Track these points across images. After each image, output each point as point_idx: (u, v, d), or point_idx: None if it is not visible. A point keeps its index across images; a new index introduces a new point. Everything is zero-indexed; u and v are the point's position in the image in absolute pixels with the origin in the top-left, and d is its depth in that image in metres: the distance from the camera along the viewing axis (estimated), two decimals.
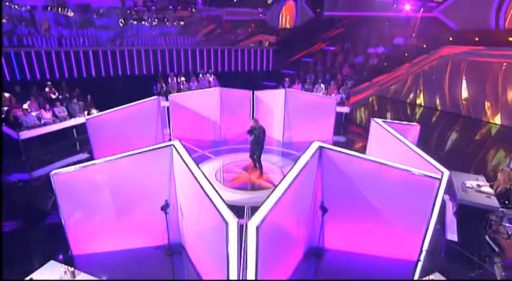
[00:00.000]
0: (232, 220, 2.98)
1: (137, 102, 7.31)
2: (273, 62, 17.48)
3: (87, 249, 4.41)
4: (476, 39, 11.68)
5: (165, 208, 4.14)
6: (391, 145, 5.32)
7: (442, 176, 4.01)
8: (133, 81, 13.78)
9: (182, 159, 3.90)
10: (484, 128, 11.43)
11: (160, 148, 4.19)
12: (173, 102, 9.07)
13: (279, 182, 3.58)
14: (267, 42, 22.34)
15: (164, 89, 12.30)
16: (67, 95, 10.50)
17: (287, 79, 13.38)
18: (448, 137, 10.81)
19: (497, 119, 11.58)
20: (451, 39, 12.62)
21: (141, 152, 4.15)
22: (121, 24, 21.95)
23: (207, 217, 3.51)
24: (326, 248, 4.63)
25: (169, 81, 13.01)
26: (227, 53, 16.24)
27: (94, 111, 8.89)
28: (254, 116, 6.62)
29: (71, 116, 9.37)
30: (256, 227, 2.88)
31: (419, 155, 4.64)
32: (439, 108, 13.49)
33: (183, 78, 13.11)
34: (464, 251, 4.68)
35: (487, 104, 11.74)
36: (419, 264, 4.40)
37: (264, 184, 6.82)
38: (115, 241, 4.47)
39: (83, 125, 9.46)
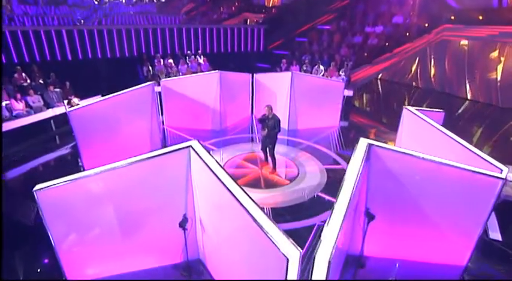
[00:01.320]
0: (294, 252, 2.28)
1: (128, 89, 6.31)
2: (264, 42, 16.45)
3: (86, 275, 3.63)
4: (480, 17, 11.24)
5: (183, 223, 3.40)
6: (429, 137, 4.74)
7: (505, 175, 3.48)
8: (115, 64, 12.44)
9: (208, 166, 3.12)
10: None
11: (175, 151, 3.37)
12: (166, 88, 8.11)
13: (338, 195, 2.89)
14: (253, 21, 21.11)
15: (151, 73, 11.15)
16: (41, 82, 9.20)
17: (284, 60, 12.54)
18: (472, 123, 10.50)
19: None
20: (452, 18, 12.13)
21: (150, 158, 3.33)
22: (95, 2, 19.94)
23: (253, 244, 2.79)
24: (365, 256, 4.09)
25: (156, 64, 11.84)
26: (216, 33, 15.02)
27: (75, 100, 7.78)
28: (267, 104, 5.81)
29: (48, 106, 8.20)
30: (329, 261, 2.21)
31: (473, 151, 4.05)
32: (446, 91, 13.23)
33: (170, 61, 11.96)
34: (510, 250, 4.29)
35: None
36: (467, 269, 3.96)
37: (278, 179, 6.16)
38: (120, 263, 3.71)
39: (63, 116, 8.44)
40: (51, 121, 8.50)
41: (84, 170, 6.05)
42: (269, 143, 6.12)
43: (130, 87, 11.02)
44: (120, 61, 12.61)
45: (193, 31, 14.32)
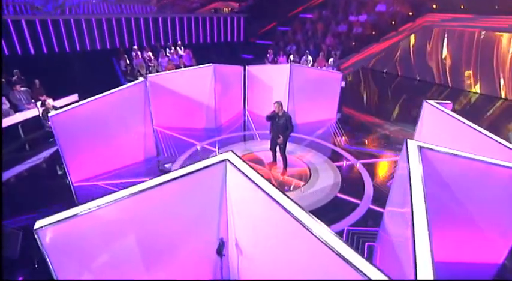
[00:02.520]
0: (378, 275, 1.87)
1: (118, 88, 5.53)
2: (244, 32, 15.80)
3: None
4: (462, 7, 11.42)
5: (221, 249, 2.90)
6: (453, 131, 4.52)
7: None
8: (87, 58, 11.28)
9: (254, 182, 2.62)
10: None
11: (208, 166, 2.82)
12: (154, 84, 7.30)
13: (413, 212, 2.50)
14: (228, 9, 20.22)
15: (130, 68, 10.19)
16: (2, 80, 7.99)
17: (270, 51, 12.06)
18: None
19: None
20: (434, 6, 12.25)
21: (178, 178, 2.75)
22: None
23: (318, 264, 2.35)
24: None
25: (134, 57, 10.84)
26: (194, 23, 14.14)
27: (50, 101, 6.79)
28: (276, 100, 5.30)
29: (16, 109, 7.12)
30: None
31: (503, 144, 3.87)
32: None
33: (150, 54, 11.00)
34: None
35: None
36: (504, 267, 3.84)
37: (291, 180, 5.76)
38: None
39: (35, 119, 7.39)
40: (19, 127, 7.42)
41: (72, 183, 5.33)
42: (280, 142, 5.68)
43: (107, 83, 10.03)
44: (92, 55, 11.46)
45: (170, 21, 13.37)
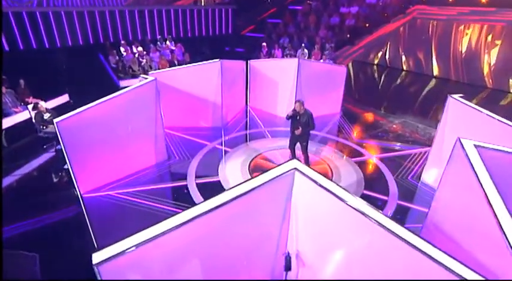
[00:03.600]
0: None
1: (127, 89, 5.05)
2: (233, 24, 15.30)
3: None
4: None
5: (289, 264, 2.68)
6: (486, 129, 4.47)
7: None
8: (70, 54, 10.42)
9: (329, 191, 2.40)
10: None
11: (276, 177, 2.55)
12: (159, 82, 6.84)
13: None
14: (212, 1, 19.51)
15: (122, 64, 9.52)
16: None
17: (264, 44, 11.74)
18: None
19: None
20: None
21: (244, 194, 2.46)
22: None
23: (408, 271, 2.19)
24: None
25: (123, 52, 10.16)
26: (181, 15, 13.46)
27: (42, 103, 6.13)
28: (297, 99, 5.05)
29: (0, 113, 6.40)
30: None
31: None
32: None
33: (140, 49, 10.34)
34: None
35: None
36: None
37: None
38: None
39: (25, 124, 6.66)
40: (2, 133, 6.68)
41: (80, 194, 4.85)
42: (302, 140, 5.48)
43: (98, 81, 9.41)
44: (75, 51, 10.61)
45: (156, 14, 12.64)
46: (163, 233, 2.22)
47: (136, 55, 10.03)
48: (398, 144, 6.98)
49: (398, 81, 13.11)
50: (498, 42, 10.95)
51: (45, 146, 6.26)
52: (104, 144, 4.93)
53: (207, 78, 6.96)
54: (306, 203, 2.71)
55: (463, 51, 11.94)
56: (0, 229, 4.09)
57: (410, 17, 12.66)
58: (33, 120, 6.06)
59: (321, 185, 2.51)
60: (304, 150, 5.56)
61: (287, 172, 2.62)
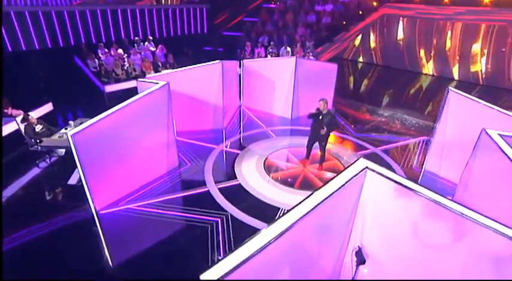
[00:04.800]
0: None
1: (139, 95, 4.75)
2: (208, 24, 15.02)
3: None
4: None
5: (363, 258, 2.74)
6: (488, 121, 4.83)
7: None
8: (40, 59, 9.51)
9: (410, 188, 2.48)
10: None
11: (350, 180, 2.58)
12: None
13: None
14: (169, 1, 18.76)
15: (104, 68, 8.92)
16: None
17: (248, 44, 11.70)
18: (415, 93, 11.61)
19: None
20: None
21: (320, 204, 2.43)
22: None
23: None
24: None
25: (102, 55, 9.53)
26: (156, 14, 12.93)
27: (32, 115, 5.54)
28: (321, 98, 5.04)
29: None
30: None
31: None
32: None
33: (120, 51, 9.76)
34: None
35: None
36: None
37: (328, 175, 5.71)
38: None
39: (11, 137, 5.94)
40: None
41: (96, 211, 4.49)
42: (322, 140, 5.56)
43: (80, 87, 8.73)
44: (45, 54, 9.72)
45: (130, 13, 12.01)
46: (264, 247, 2.14)
47: (117, 58, 9.45)
48: (395, 135, 7.37)
49: (375, 76, 13.75)
50: (459, 37, 11.94)
51: (37, 162, 5.68)
52: (117, 155, 4.61)
53: (208, 80, 6.78)
54: (374, 199, 2.78)
55: (431, 46, 12.83)
56: (0, 231, 4.03)
57: (380, 13, 13.31)
58: (24, 134, 5.46)
59: (394, 181, 2.59)
60: (323, 149, 5.66)
61: (360, 172, 2.67)
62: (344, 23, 12.49)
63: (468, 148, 4.64)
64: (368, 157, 6.31)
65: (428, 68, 13.21)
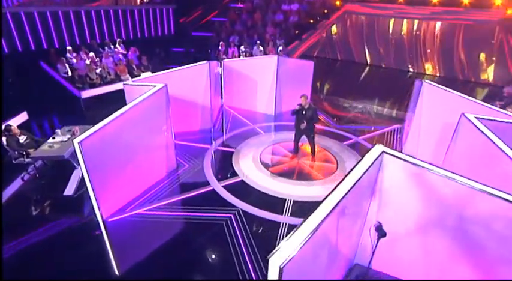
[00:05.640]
0: None
1: (140, 99, 4.70)
2: (175, 24, 14.78)
3: None
4: None
5: (384, 232, 3.09)
6: (451, 105, 5.47)
7: None
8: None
9: (425, 168, 2.86)
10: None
11: (370, 167, 2.89)
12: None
13: None
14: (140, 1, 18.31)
15: (77, 73, 8.47)
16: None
17: (222, 43, 11.76)
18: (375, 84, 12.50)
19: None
20: None
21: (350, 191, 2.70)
22: None
23: None
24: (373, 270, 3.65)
25: (71, 59, 9.04)
26: (122, 16, 12.46)
27: (14, 125, 5.18)
28: (302, 94, 5.35)
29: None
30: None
31: None
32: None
33: (92, 54, 9.32)
34: None
35: None
36: None
37: (323, 166, 6.08)
38: None
39: None
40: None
41: (103, 219, 4.38)
42: (310, 133, 5.90)
43: (54, 94, 8.24)
44: (4, 60, 8.97)
45: (94, 15, 11.46)
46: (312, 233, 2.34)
47: (88, 62, 9.02)
48: (372, 125, 7.99)
49: (341, 71, 14.54)
50: (415, 35, 13.10)
51: (23, 175, 5.34)
52: (120, 161, 4.54)
53: (195, 80, 6.81)
54: (390, 179, 3.14)
55: (390, 41, 13.89)
56: (0, 231, 4.09)
57: (343, 11, 14.08)
58: (6, 146, 5.10)
59: (410, 162, 2.96)
60: (312, 141, 6.00)
61: (378, 156, 3.01)
62: (311, 21, 13.04)
63: (444, 132, 5.29)
64: (353, 145, 6.86)
65: (389, 61, 14.26)
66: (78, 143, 3.83)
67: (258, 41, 11.94)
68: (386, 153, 3.04)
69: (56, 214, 4.62)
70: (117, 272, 3.75)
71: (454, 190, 2.90)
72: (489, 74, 11.85)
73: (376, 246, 3.28)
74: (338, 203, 2.57)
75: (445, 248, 3.19)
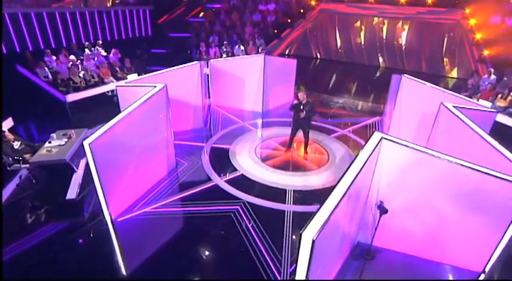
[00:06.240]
0: None
1: (143, 98, 4.78)
2: (152, 25, 14.61)
3: None
4: None
5: (385, 209, 3.48)
6: (427, 96, 6.05)
7: None
8: None
9: (420, 151, 3.28)
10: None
11: (372, 153, 3.26)
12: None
13: None
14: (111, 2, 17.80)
15: (60, 77, 8.24)
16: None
17: (203, 44, 11.86)
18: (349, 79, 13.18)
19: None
20: None
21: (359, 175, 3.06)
22: None
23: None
24: (374, 246, 3.99)
25: (50, 62, 8.78)
26: (98, 17, 12.15)
27: (7, 132, 5.05)
28: (300, 91, 5.69)
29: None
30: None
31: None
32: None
33: (73, 57, 9.09)
34: None
35: None
36: (482, 276, 3.82)
37: (316, 157, 6.45)
38: None
39: None
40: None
41: (112, 219, 4.45)
42: (306, 127, 6.25)
43: (37, 99, 8.01)
44: None
45: (69, 16, 11.15)
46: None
47: (69, 65, 8.80)
48: (356, 118, 8.51)
49: (317, 68, 15.10)
50: (385, 32, 13.92)
51: (18, 183, 5.22)
52: (125, 161, 4.62)
53: (187, 81, 6.93)
54: (389, 162, 3.53)
55: (362, 39, 14.62)
56: (1, 232, 4.14)
57: (317, 10, 14.62)
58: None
59: (406, 146, 3.37)
60: (306, 135, 6.36)
61: (379, 142, 3.39)
62: (289, 20, 13.46)
63: (423, 120, 5.84)
64: (340, 138, 7.30)
65: (362, 58, 15.00)
66: (89, 144, 3.89)
67: (239, 41, 12.17)
68: (386, 139, 3.42)
69: (62, 218, 4.60)
70: (124, 272, 3.85)
71: (443, 167, 3.34)
72: (453, 68, 12.91)
73: (378, 223, 3.68)
74: (351, 184, 2.91)
75: (436, 219, 3.66)
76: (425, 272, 3.89)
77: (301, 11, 13.87)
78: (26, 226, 4.47)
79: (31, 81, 8.18)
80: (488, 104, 6.82)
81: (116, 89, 5.77)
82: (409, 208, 3.75)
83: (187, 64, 6.85)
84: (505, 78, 8.84)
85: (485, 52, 10.65)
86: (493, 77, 8.90)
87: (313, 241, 2.37)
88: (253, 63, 8.19)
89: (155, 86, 5.11)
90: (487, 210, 3.40)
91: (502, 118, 7.37)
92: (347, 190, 2.84)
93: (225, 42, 12.21)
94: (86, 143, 3.90)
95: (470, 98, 7.01)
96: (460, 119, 4.45)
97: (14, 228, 4.40)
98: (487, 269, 3.80)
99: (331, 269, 3.53)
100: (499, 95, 8.04)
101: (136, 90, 5.52)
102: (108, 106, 8.66)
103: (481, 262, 3.77)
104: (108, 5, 14.62)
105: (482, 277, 3.81)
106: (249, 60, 8.47)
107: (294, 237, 4.24)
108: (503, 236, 3.48)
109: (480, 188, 3.32)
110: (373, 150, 3.30)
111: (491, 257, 3.69)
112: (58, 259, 3.95)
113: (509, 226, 3.41)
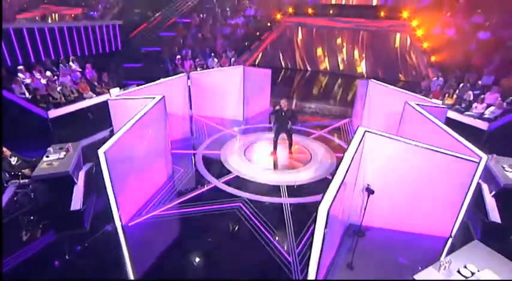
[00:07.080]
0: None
1: (146, 108, 5.10)
2: (121, 40, 14.60)
3: None
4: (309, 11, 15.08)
5: (372, 190, 4.16)
6: (391, 98, 7.06)
7: (480, 161, 4.10)
8: None
9: (398, 140, 4.02)
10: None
11: (360, 143, 3.97)
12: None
13: None
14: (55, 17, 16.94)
15: (39, 93, 8.13)
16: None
17: (179, 57, 12.21)
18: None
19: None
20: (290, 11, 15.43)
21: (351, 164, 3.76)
22: None
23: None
24: (367, 226, 4.63)
25: (25, 78, 8.63)
26: (68, 32, 11.99)
27: (5, 149, 5.05)
28: (284, 98, 6.37)
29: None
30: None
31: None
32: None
33: (49, 73, 8.98)
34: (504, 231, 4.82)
35: None
36: (450, 240, 4.59)
37: (301, 156, 7.10)
38: None
39: None
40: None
41: (122, 224, 4.67)
42: (290, 131, 6.87)
43: (17, 117, 7.87)
44: None
45: (38, 32, 10.93)
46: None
47: (44, 81, 8.69)
48: (326, 121, 9.36)
49: (286, 76, 16.01)
50: (345, 42, 15.25)
51: (16, 199, 5.21)
52: (132, 168, 4.89)
53: (176, 92, 7.28)
54: (371, 151, 4.25)
55: (325, 49, 15.80)
56: (1, 233, 4.28)
57: (283, 24, 15.59)
58: None
59: (389, 137, 4.12)
60: (290, 137, 7.00)
61: (363, 136, 4.09)
62: (257, 33, 14.28)
63: (390, 118, 6.75)
64: (318, 138, 8.06)
65: (326, 65, 16.16)
66: (104, 152, 4.15)
67: (213, 54, 12.69)
68: (368, 132, 4.14)
69: (72, 228, 4.73)
70: (132, 276, 4.05)
71: (413, 151, 4.12)
72: (404, 72, 14.49)
73: (367, 203, 4.35)
74: (347, 170, 3.55)
75: (410, 196, 4.42)
76: (406, 243, 4.63)
77: (268, 24, 14.77)
78: (34, 239, 4.53)
79: (7, 98, 7.95)
80: (439, 102, 8.00)
81: (109, 102, 6.03)
82: (388, 188, 4.48)
83: (175, 76, 7.23)
84: (449, 81, 10.30)
85: (433, 58, 12.23)
86: (440, 79, 10.33)
87: (328, 212, 2.94)
88: (233, 74, 8.74)
89: (154, 98, 5.45)
90: (449, 183, 4.23)
91: (450, 114, 8.63)
92: (346, 172, 3.49)
93: (199, 55, 12.65)
94: (100, 152, 4.16)
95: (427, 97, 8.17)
96: (423, 114, 5.36)
97: (27, 242, 4.45)
98: (453, 234, 4.64)
99: (333, 245, 4.11)
100: (446, 95, 9.39)
101: (126, 103, 5.86)
102: (89, 120, 8.71)
103: (448, 228, 4.61)
104: (76, 21, 14.37)
105: (450, 240, 4.64)
106: (229, 71, 9.00)
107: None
108: (462, 204, 4.34)
109: (441, 165, 4.14)
110: (360, 142, 3.99)
111: (455, 223, 4.54)
112: (76, 264, 4.11)
113: (465, 196, 4.29)
